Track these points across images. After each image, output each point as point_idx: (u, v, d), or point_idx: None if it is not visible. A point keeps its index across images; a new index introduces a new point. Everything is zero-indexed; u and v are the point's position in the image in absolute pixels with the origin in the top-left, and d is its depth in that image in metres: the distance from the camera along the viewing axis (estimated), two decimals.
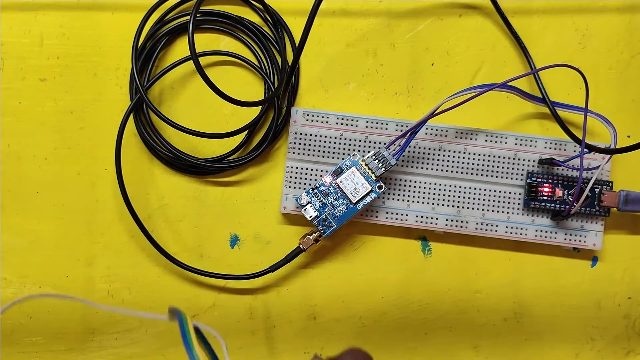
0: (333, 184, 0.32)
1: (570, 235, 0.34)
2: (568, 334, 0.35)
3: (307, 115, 0.34)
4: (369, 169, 0.32)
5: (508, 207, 0.34)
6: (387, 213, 0.34)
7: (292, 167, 0.34)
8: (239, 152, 0.35)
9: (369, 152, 0.34)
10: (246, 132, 0.35)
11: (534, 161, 0.34)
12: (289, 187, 0.34)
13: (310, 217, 0.32)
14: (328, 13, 0.35)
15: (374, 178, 0.32)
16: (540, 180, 0.33)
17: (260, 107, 0.34)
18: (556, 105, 0.33)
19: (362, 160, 0.32)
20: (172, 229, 0.35)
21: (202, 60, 0.35)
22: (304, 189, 0.34)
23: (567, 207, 0.33)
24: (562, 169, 0.34)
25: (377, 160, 0.32)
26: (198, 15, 0.35)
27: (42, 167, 0.35)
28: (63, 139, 0.35)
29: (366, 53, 0.35)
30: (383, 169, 0.32)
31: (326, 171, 0.34)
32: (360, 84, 0.35)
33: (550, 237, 0.34)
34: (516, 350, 0.35)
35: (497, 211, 0.34)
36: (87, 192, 0.35)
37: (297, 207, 0.34)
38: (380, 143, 0.34)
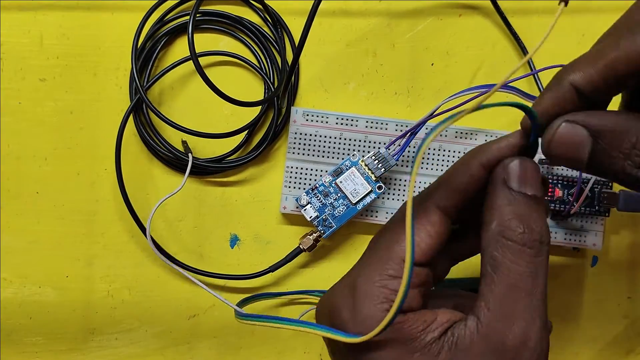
0: (333, 184, 0.32)
1: (570, 235, 0.34)
2: (568, 333, 0.35)
3: (307, 115, 0.34)
4: (369, 169, 0.32)
5: None
6: (387, 213, 0.34)
7: (291, 167, 0.34)
8: (239, 152, 0.35)
9: (368, 152, 0.34)
10: (246, 132, 0.35)
11: None
12: (289, 187, 0.34)
13: (310, 217, 0.32)
14: (328, 13, 0.35)
15: (374, 178, 0.32)
16: None
17: (260, 107, 0.34)
18: None
19: (362, 161, 0.32)
20: (172, 229, 0.35)
21: (202, 61, 0.35)
22: (304, 189, 0.34)
23: (567, 207, 0.33)
24: (562, 169, 0.34)
25: (376, 161, 0.32)
26: (198, 15, 0.35)
27: (42, 167, 0.35)
28: (63, 139, 0.35)
29: (366, 53, 0.35)
30: (383, 169, 0.32)
31: (326, 171, 0.34)
32: (360, 83, 0.35)
33: (550, 237, 0.34)
34: None
35: None
36: (87, 192, 0.35)
37: (297, 207, 0.34)
38: (380, 143, 0.34)
